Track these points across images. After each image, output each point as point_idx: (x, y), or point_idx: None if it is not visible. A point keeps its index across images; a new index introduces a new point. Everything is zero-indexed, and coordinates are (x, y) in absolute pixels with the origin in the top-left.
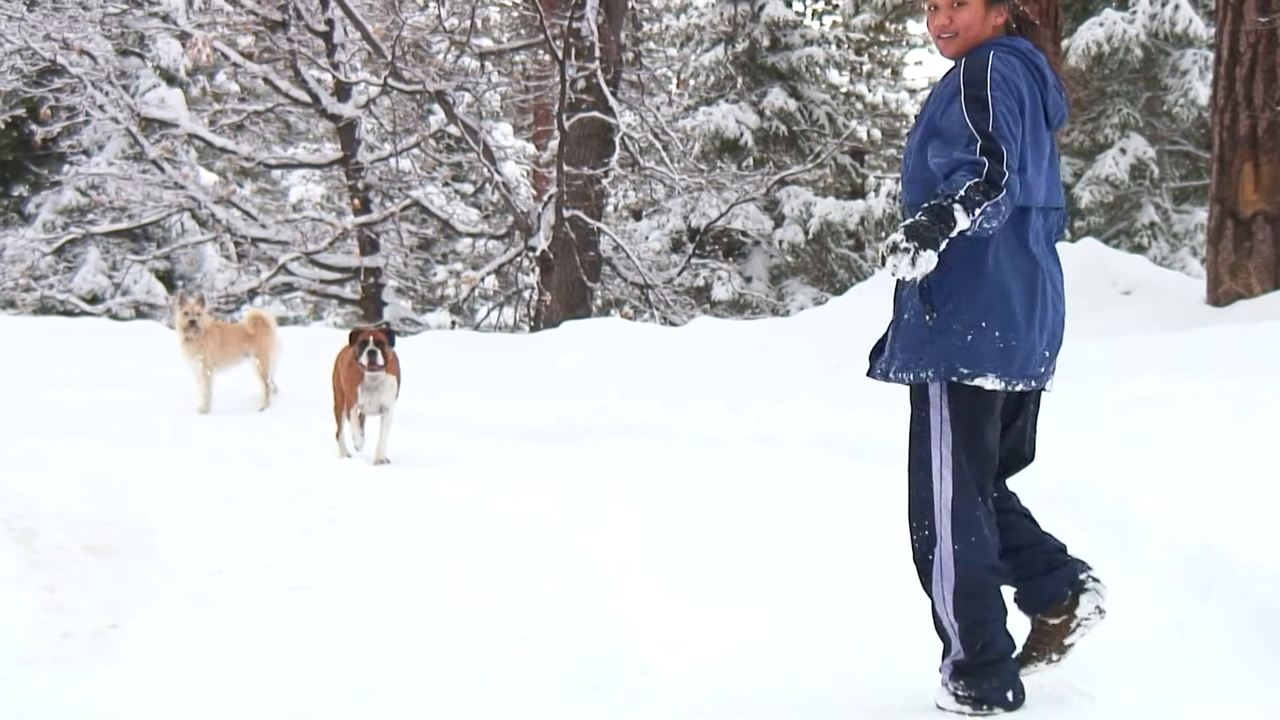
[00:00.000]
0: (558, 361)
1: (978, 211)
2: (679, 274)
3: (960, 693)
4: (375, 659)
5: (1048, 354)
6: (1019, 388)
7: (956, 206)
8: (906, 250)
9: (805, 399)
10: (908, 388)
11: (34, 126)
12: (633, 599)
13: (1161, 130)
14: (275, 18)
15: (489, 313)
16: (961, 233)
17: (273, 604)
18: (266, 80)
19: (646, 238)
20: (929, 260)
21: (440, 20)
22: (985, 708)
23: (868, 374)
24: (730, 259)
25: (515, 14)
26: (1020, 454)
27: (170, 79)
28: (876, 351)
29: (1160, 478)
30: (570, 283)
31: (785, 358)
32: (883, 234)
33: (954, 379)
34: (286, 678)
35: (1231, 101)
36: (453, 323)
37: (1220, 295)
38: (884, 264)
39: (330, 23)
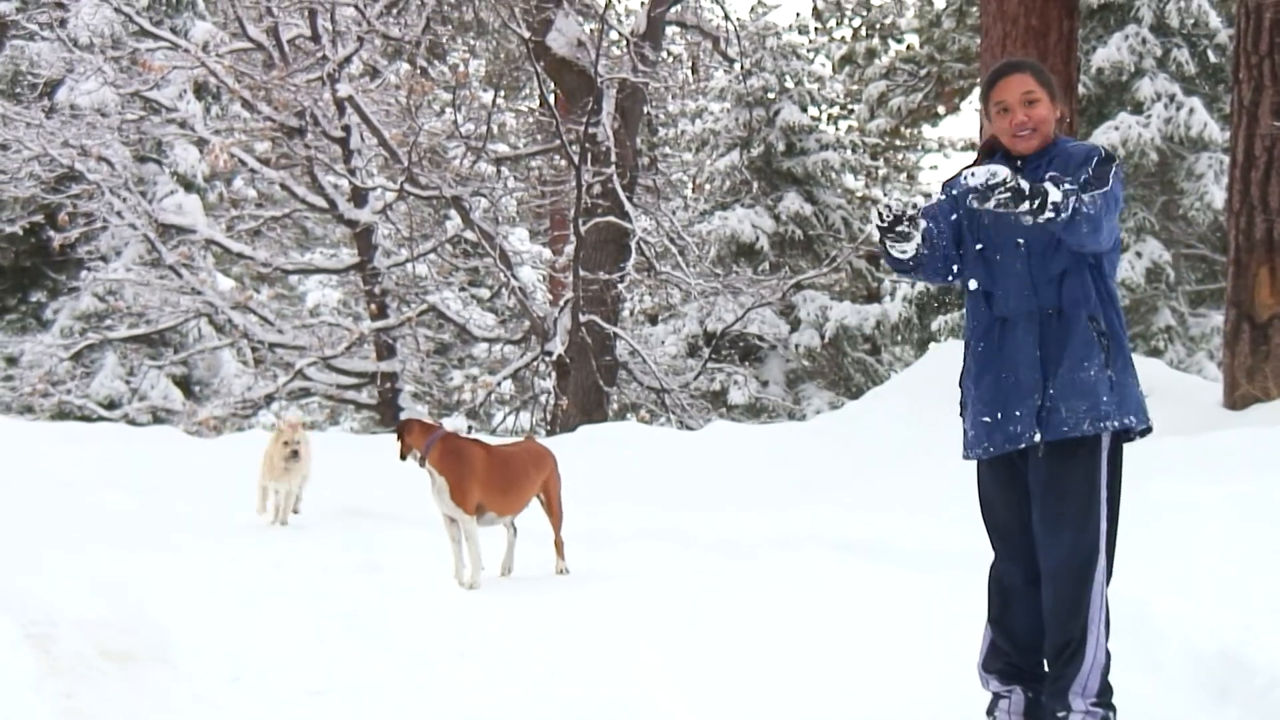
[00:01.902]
0: (574, 466)
1: (1082, 201)
2: (695, 378)
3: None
4: None
5: (997, 428)
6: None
7: (1053, 197)
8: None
9: (823, 503)
10: (1037, 446)
11: (52, 232)
12: (651, 707)
13: (1177, 234)
14: (292, 124)
15: (505, 417)
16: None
17: (290, 709)
18: (284, 186)
19: (663, 342)
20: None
21: (456, 126)
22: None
23: (1006, 443)
24: (746, 363)
25: (531, 120)
26: None
27: (188, 185)
28: (1001, 418)
29: (1178, 581)
30: (587, 387)
31: (802, 462)
32: (900, 337)
33: (1131, 427)
34: None
35: (1247, 205)
36: (469, 427)
37: (1237, 399)
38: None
39: (347, 129)
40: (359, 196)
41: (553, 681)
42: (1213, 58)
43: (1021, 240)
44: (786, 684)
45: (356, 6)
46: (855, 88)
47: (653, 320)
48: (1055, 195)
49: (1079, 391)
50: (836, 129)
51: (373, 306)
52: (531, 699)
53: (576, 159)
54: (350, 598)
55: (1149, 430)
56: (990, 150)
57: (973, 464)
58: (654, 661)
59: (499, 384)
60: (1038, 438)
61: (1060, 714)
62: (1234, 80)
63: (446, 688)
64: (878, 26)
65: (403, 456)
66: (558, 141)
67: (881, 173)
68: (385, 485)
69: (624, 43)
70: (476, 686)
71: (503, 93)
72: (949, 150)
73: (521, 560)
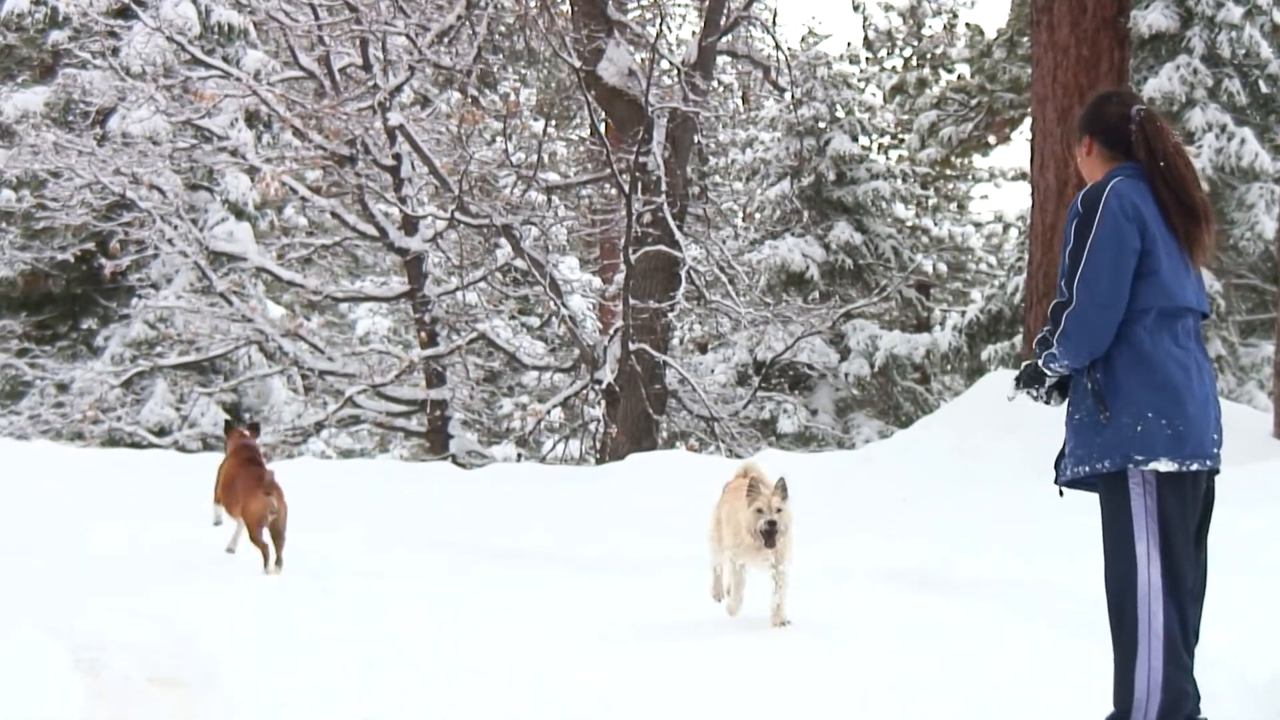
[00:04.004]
0: (623, 494)
1: (1044, 362)
2: (745, 407)
3: None
4: None
5: (1215, 436)
6: (1194, 467)
7: (1044, 357)
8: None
9: (872, 533)
10: (1097, 491)
11: (103, 260)
12: None
13: (1228, 264)
14: (343, 152)
15: (555, 445)
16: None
17: None
18: (334, 214)
19: (712, 370)
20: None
21: (507, 155)
22: None
23: (1054, 482)
24: (796, 392)
25: (582, 149)
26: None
27: (239, 213)
28: (1058, 461)
29: (1230, 610)
30: (636, 415)
31: (852, 491)
32: (949, 366)
33: (1130, 465)
34: None
35: None
36: (519, 455)
37: None
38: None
39: (398, 157)
40: (409, 225)
41: (602, 711)
42: (1264, 88)
43: None
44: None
45: (408, 36)
46: (906, 117)
47: (702, 349)
48: (1045, 367)
49: (1071, 437)
50: (887, 158)
51: (422, 334)
52: None
53: (627, 188)
54: (401, 626)
55: (1144, 463)
56: None
57: (1018, 498)
58: (709, 691)
59: (548, 412)
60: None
61: None
62: None
63: (492, 714)
64: (929, 56)
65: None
66: (608, 170)
67: (932, 202)
68: (436, 513)
69: (675, 72)
70: (523, 715)
71: (553, 122)
72: (999, 180)
73: (579, 594)
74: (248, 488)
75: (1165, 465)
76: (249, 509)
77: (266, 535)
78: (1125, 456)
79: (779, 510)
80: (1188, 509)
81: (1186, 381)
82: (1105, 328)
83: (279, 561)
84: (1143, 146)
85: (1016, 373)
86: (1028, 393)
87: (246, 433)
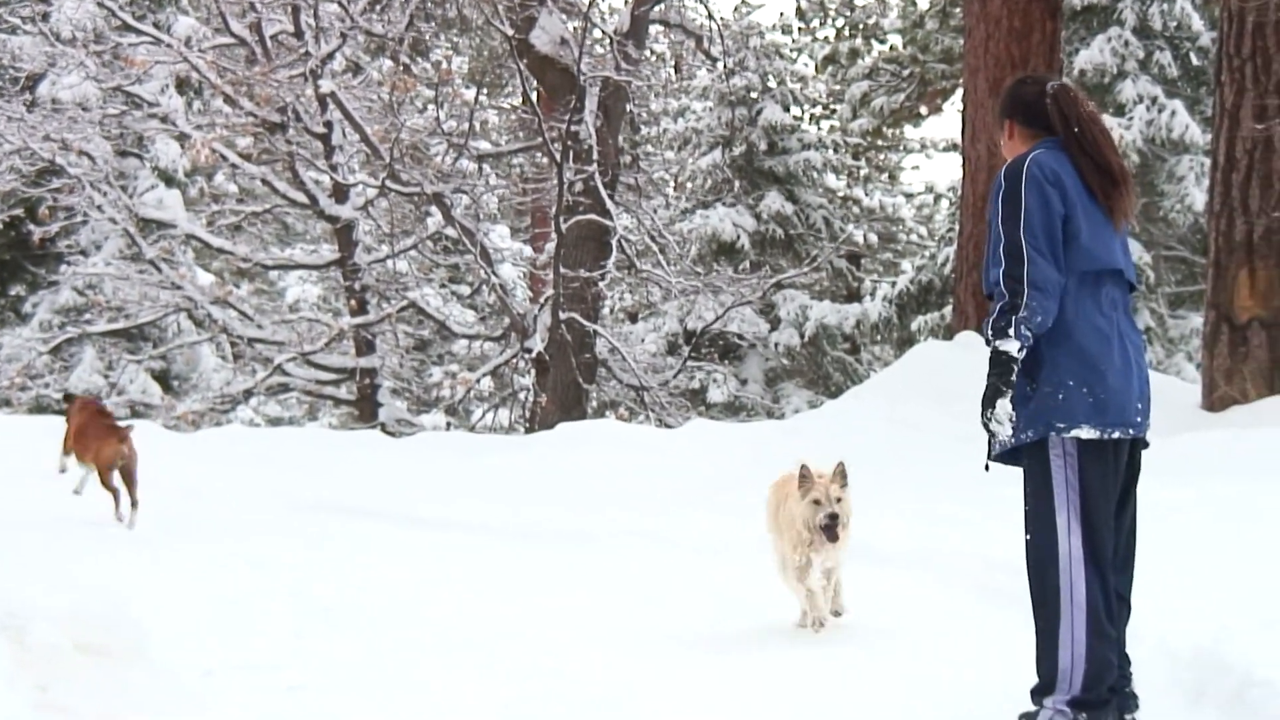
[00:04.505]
0: (553, 464)
1: (1014, 332)
2: (675, 376)
3: None
4: None
5: (1140, 405)
6: (1115, 435)
7: (1000, 342)
8: (990, 420)
9: None
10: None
11: (32, 226)
12: (632, 707)
13: (1158, 236)
14: (274, 120)
15: (484, 414)
16: (1021, 351)
17: (269, 705)
18: (265, 181)
19: (642, 340)
20: (1004, 408)
21: (439, 123)
22: None
23: (988, 457)
24: (726, 362)
25: (514, 117)
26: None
27: (169, 180)
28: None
29: (1154, 582)
30: (566, 384)
31: (782, 461)
32: (879, 337)
33: (1053, 434)
34: None
35: (1228, 207)
36: (448, 424)
37: (1215, 400)
38: (993, 441)
39: (329, 125)
40: (340, 192)
41: (531, 679)
42: (1195, 60)
43: None
44: (772, 684)
45: (340, 3)
46: (838, 87)
47: (633, 318)
48: (1011, 346)
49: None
50: (819, 129)
51: (353, 302)
52: (511, 696)
53: (558, 156)
54: (330, 595)
55: (1066, 431)
56: None
57: (948, 469)
58: (637, 661)
59: (478, 381)
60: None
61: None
62: (1216, 83)
63: (427, 685)
64: (861, 27)
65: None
66: (540, 139)
67: (863, 173)
68: (365, 481)
69: (607, 41)
70: (457, 684)
71: (485, 90)
72: (931, 151)
73: (509, 562)
74: (99, 435)
75: (1087, 433)
76: (101, 454)
77: (118, 480)
78: (1048, 425)
79: (839, 500)
80: (1109, 478)
81: (1107, 350)
82: (1058, 285)
83: (134, 504)
84: (1058, 117)
85: (982, 410)
86: (992, 422)
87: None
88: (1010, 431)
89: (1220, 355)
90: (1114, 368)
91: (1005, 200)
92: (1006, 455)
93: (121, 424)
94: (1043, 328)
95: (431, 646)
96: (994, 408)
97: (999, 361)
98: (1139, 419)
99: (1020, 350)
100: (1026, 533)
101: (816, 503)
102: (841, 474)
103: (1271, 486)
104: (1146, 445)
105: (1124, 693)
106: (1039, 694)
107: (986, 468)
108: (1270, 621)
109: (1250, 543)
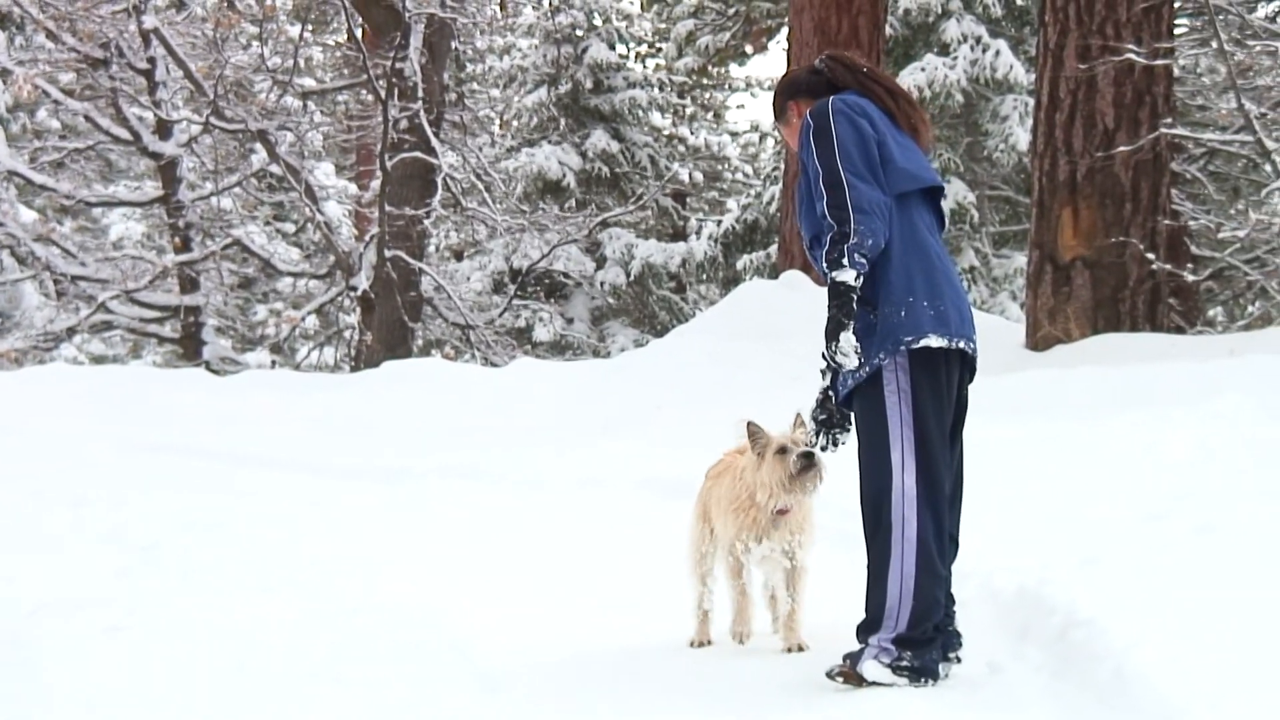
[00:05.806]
0: (378, 402)
1: (848, 260)
2: (500, 315)
3: (903, 664)
4: (193, 700)
5: (971, 323)
6: (960, 345)
7: (836, 273)
8: (835, 353)
9: (627, 441)
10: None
11: None
12: (455, 630)
13: (982, 175)
14: (97, 55)
15: (309, 352)
16: (858, 279)
17: (90, 645)
18: (87, 118)
19: (468, 278)
20: (848, 339)
21: (263, 59)
22: (922, 679)
23: (835, 403)
24: (552, 300)
25: (338, 54)
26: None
27: None
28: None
29: (978, 521)
30: (391, 323)
31: (606, 399)
32: (705, 275)
33: (903, 347)
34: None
35: (1051, 147)
36: (273, 362)
37: (1039, 340)
38: (831, 367)
39: (152, 60)
40: (164, 129)
41: (358, 615)
42: (1019, 0)
43: None
44: (589, 614)
45: None
46: (663, 26)
47: (458, 256)
48: (848, 275)
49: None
50: (644, 67)
51: (176, 240)
52: (335, 632)
53: (383, 94)
54: (153, 534)
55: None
56: None
57: (774, 405)
58: (459, 592)
59: (303, 319)
60: None
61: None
62: (1040, 23)
63: (250, 623)
64: None
65: None
66: (365, 76)
67: (689, 111)
68: (188, 420)
69: None
70: (280, 621)
71: (310, 26)
72: (756, 90)
73: (333, 501)
74: None
75: (935, 341)
76: None
77: None
78: (896, 341)
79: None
80: (944, 400)
81: (939, 266)
82: (885, 206)
83: None
84: (842, 71)
85: (826, 344)
86: (838, 354)
87: None
88: (856, 362)
89: (1044, 295)
90: (949, 283)
91: (816, 137)
92: (855, 378)
93: None
94: (875, 250)
95: (255, 585)
96: (838, 340)
97: (838, 293)
98: (973, 335)
99: (857, 279)
100: (860, 471)
101: (783, 450)
102: (801, 423)
103: (1094, 425)
104: (973, 374)
105: (948, 631)
106: (864, 631)
107: (824, 448)
108: (1091, 558)
109: (1074, 482)
